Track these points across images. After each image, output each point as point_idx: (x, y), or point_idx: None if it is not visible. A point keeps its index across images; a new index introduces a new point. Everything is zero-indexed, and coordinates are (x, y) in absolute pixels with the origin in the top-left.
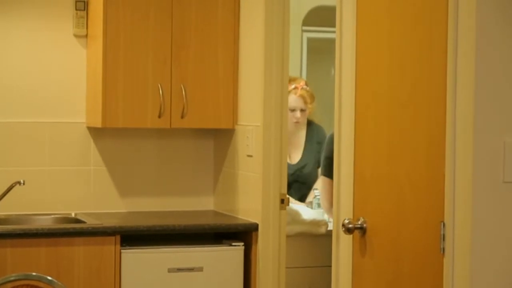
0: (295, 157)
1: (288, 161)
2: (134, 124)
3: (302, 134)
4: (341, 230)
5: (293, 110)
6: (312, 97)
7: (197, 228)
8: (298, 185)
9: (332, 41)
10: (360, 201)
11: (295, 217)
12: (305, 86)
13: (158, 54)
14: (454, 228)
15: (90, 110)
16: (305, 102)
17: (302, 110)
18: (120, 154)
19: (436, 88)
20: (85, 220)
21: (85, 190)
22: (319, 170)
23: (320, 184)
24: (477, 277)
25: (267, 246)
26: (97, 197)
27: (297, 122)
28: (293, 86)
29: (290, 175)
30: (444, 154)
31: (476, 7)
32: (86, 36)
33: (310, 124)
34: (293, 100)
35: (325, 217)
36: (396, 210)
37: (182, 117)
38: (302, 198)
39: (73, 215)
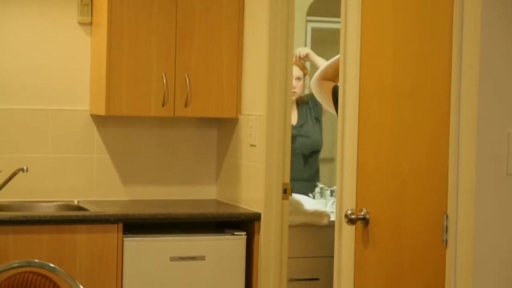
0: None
1: None
2: (137, 112)
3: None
4: (344, 220)
5: None
6: (307, 69)
7: (200, 217)
8: (302, 139)
9: (336, 32)
10: (363, 192)
11: (298, 208)
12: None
13: (162, 43)
14: (457, 220)
15: (93, 98)
16: (302, 70)
17: (298, 79)
18: (123, 142)
19: (440, 79)
20: (88, 208)
21: (88, 177)
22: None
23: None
24: (479, 270)
25: (269, 236)
26: (100, 185)
27: (293, 92)
28: None
29: (292, 130)
30: (447, 145)
31: None
32: (91, 24)
33: (303, 102)
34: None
35: (327, 208)
36: (399, 201)
37: (185, 105)
38: (307, 157)
39: (75, 202)
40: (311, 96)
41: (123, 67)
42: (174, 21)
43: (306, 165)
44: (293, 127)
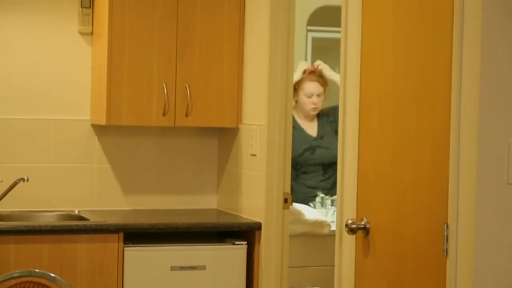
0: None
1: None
2: (138, 122)
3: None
4: (344, 230)
5: (310, 96)
6: (327, 84)
7: (200, 226)
8: (321, 150)
9: (337, 41)
10: (364, 201)
11: (298, 217)
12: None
13: (163, 53)
14: (457, 229)
15: (94, 108)
16: (322, 86)
17: (318, 95)
18: (124, 152)
19: (440, 88)
20: (89, 218)
21: (89, 187)
22: None
23: None
24: (480, 279)
25: (270, 245)
26: (101, 195)
27: (315, 108)
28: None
29: (311, 141)
30: (448, 155)
31: (482, 7)
32: (92, 33)
33: (324, 114)
34: (309, 85)
35: (328, 218)
36: (399, 210)
37: (186, 115)
38: (326, 167)
39: (76, 212)
40: (332, 109)
41: (123, 77)
42: (174, 31)
43: (325, 174)
44: (313, 139)
